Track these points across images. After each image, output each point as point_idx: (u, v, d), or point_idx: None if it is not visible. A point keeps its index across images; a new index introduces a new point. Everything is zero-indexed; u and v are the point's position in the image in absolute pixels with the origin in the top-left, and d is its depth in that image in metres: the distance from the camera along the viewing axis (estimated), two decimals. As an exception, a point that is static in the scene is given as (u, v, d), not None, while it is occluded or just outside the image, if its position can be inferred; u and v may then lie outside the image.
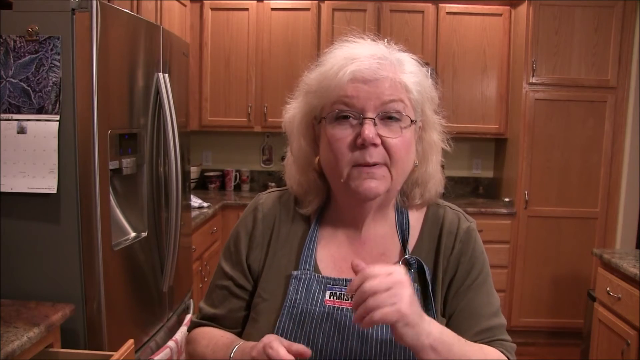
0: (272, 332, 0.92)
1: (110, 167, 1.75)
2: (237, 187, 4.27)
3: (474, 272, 0.98)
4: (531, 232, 3.74)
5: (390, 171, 0.92)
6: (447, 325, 0.97)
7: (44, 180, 1.64)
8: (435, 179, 1.02)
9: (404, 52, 0.97)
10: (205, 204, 3.40)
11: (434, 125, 1.00)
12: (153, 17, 2.79)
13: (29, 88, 1.64)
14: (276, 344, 0.82)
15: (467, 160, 4.31)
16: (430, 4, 3.84)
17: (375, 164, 0.90)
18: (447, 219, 1.02)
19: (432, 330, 0.82)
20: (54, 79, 1.63)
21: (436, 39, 3.87)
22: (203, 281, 3.18)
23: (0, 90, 1.64)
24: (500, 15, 3.86)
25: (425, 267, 0.96)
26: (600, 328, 2.64)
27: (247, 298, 1.02)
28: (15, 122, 1.64)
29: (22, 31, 1.63)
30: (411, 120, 0.93)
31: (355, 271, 0.81)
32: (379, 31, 3.72)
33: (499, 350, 0.96)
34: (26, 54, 1.63)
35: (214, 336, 1.01)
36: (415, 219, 1.03)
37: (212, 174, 4.23)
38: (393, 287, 0.78)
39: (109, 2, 1.92)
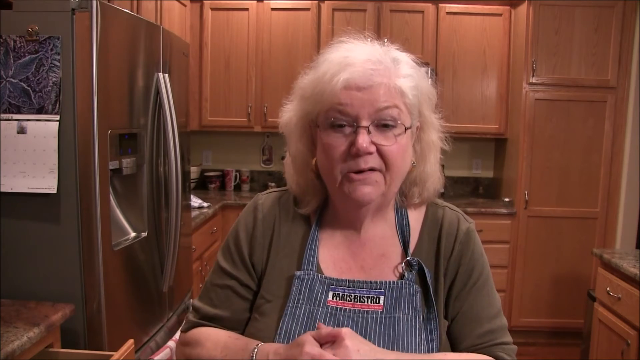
0: (274, 333, 0.92)
1: (110, 167, 1.75)
2: (237, 187, 4.27)
3: (474, 275, 0.98)
4: (531, 232, 3.74)
5: (384, 176, 0.92)
6: (450, 328, 0.98)
7: (44, 180, 1.64)
8: (433, 178, 1.02)
9: (401, 51, 0.96)
10: (205, 204, 3.40)
11: (433, 125, 1.00)
12: (153, 17, 2.79)
13: (29, 88, 1.64)
14: (316, 349, 0.81)
15: (467, 160, 4.31)
16: (430, 4, 3.84)
17: (370, 169, 0.90)
18: (447, 219, 1.02)
19: None
20: (54, 79, 1.63)
21: (436, 39, 3.87)
22: (203, 281, 3.16)
23: (0, 90, 1.64)
24: (500, 15, 3.86)
25: (426, 269, 0.97)
26: (600, 328, 2.64)
27: (251, 298, 1.01)
28: (15, 122, 1.64)
29: (22, 31, 1.63)
30: (405, 128, 0.92)
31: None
32: (379, 31, 3.73)
33: (499, 355, 0.96)
34: (26, 54, 1.63)
35: (220, 339, 0.98)
36: (415, 219, 1.03)
37: (212, 174, 4.23)
38: (337, 354, 0.81)
39: (109, 2, 1.92)
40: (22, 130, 1.64)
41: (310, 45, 3.80)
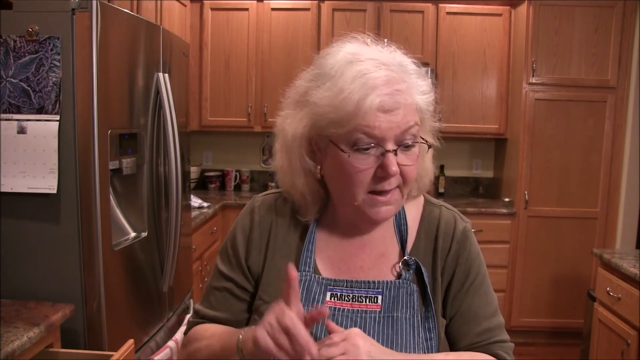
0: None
1: (110, 167, 1.75)
2: (237, 187, 4.27)
3: (472, 274, 0.99)
4: (531, 232, 3.74)
5: (402, 191, 0.93)
6: (448, 327, 0.98)
7: (44, 180, 1.64)
8: (430, 172, 1.03)
9: (403, 53, 0.94)
10: (205, 204, 3.40)
11: (430, 127, 1.00)
12: (153, 17, 2.79)
13: (29, 88, 1.64)
14: (293, 319, 0.79)
15: (467, 160, 4.31)
16: (430, 4, 3.84)
17: (390, 190, 0.91)
18: (443, 219, 1.02)
19: None
20: (54, 79, 1.63)
21: (436, 39, 3.87)
22: (203, 281, 3.18)
23: (0, 90, 1.64)
24: (500, 15, 3.86)
25: (423, 269, 0.97)
26: (600, 328, 2.64)
27: (249, 300, 1.02)
28: (15, 122, 1.64)
29: (22, 31, 1.63)
30: (425, 141, 0.93)
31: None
32: (379, 31, 3.73)
33: (498, 352, 0.97)
34: (26, 54, 1.63)
35: (216, 330, 1.00)
36: (412, 218, 1.03)
37: (212, 174, 4.23)
38: (347, 352, 0.80)
39: (109, 2, 1.92)
40: (22, 130, 1.64)
41: (310, 45, 3.80)
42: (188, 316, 2.38)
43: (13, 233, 1.67)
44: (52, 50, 1.63)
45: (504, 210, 3.72)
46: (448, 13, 3.85)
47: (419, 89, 0.92)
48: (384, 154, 0.88)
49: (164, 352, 1.99)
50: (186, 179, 2.46)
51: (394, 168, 0.87)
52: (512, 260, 3.75)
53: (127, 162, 1.85)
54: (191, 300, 2.61)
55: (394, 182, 0.90)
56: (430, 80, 0.96)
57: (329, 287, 0.96)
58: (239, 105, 3.95)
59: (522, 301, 3.77)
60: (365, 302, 0.94)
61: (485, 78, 3.92)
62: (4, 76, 1.64)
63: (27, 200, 1.66)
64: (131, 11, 2.24)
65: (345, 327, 0.91)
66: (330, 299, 0.95)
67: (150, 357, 1.96)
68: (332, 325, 0.88)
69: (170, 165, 2.11)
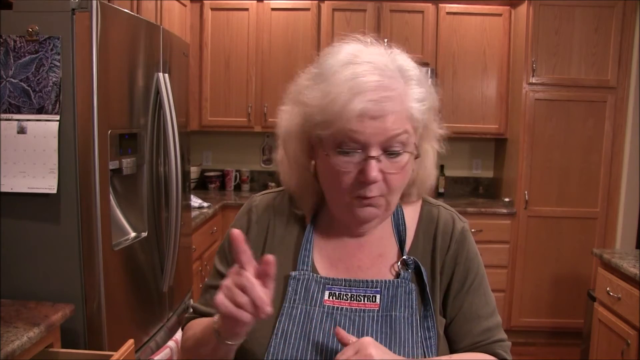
0: (271, 333, 0.92)
1: (110, 167, 1.75)
2: (237, 187, 4.27)
3: (471, 275, 0.99)
4: (531, 232, 3.74)
5: (386, 199, 0.92)
6: (450, 327, 0.98)
7: (44, 180, 1.64)
8: (431, 176, 1.02)
9: (404, 55, 0.93)
10: (205, 204, 3.40)
11: (435, 134, 0.99)
12: (153, 17, 2.79)
13: (29, 88, 1.64)
14: (247, 277, 0.80)
15: (467, 160, 4.31)
16: (430, 4, 3.84)
17: (373, 197, 0.90)
18: (442, 218, 1.02)
19: None
20: (54, 79, 1.63)
21: (436, 39, 3.87)
22: (203, 281, 3.18)
23: (0, 90, 1.64)
24: (500, 15, 3.86)
25: (422, 268, 0.97)
26: (600, 328, 2.64)
27: None
28: (15, 122, 1.64)
29: (22, 31, 1.63)
30: (412, 151, 0.91)
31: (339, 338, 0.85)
32: (379, 31, 3.74)
33: (498, 352, 0.97)
34: (26, 54, 1.63)
35: (203, 321, 1.01)
36: (411, 218, 1.03)
37: (212, 174, 4.23)
38: None
39: (109, 2, 1.92)
40: (22, 130, 1.64)
41: (310, 45, 3.80)
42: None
43: (13, 233, 1.67)
44: (52, 50, 1.63)
45: (504, 210, 3.72)
46: (448, 13, 3.85)
47: (413, 97, 0.90)
48: (366, 159, 0.88)
49: (164, 352, 1.99)
50: (186, 179, 2.47)
51: (374, 174, 0.87)
52: (512, 260, 3.75)
53: (127, 162, 1.85)
54: (191, 300, 2.61)
55: (375, 189, 0.89)
56: (431, 85, 0.95)
57: (327, 286, 0.96)
58: (239, 105, 3.95)
59: (522, 301, 3.77)
60: (364, 301, 0.94)
61: (485, 78, 3.92)
62: (4, 76, 1.64)
63: (27, 200, 1.66)
64: (131, 11, 2.24)
65: (344, 326, 0.92)
66: (329, 298, 0.95)
67: (150, 357, 1.96)
68: (342, 333, 0.87)
69: (170, 165, 2.11)
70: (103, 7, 1.66)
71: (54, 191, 1.64)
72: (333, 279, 0.97)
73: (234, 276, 0.81)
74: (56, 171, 1.64)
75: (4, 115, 1.64)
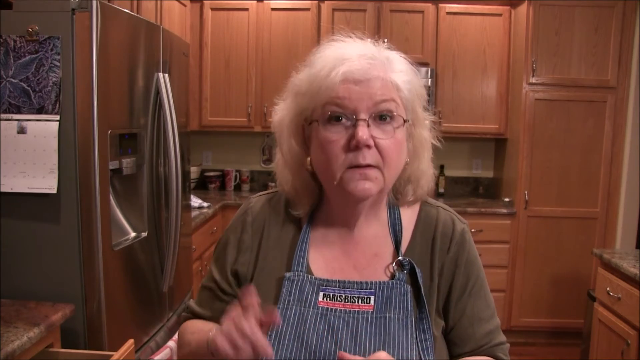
0: (264, 334, 0.92)
1: (110, 167, 1.75)
2: (237, 187, 4.27)
3: (472, 278, 0.99)
4: (531, 232, 3.74)
5: (382, 173, 0.92)
6: (453, 331, 0.98)
7: (44, 180, 1.64)
8: (427, 176, 1.02)
9: (392, 50, 0.96)
10: (205, 204, 3.40)
11: (424, 123, 1.00)
12: (153, 17, 2.79)
13: (29, 88, 1.64)
14: (250, 325, 0.80)
15: (467, 160, 4.30)
16: (430, 4, 3.84)
17: (368, 166, 0.90)
18: (441, 220, 1.02)
19: None
20: (54, 79, 1.63)
21: (436, 39, 3.87)
22: (203, 281, 3.18)
23: (0, 90, 1.64)
24: (500, 15, 3.86)
25: (417, 269, 0.97)
26: (600, 328, 2.64)
27: (229, 301, 1.02)
28: (15, 122, 1.64)
29: (22, 31, 1.63)
30: (404, 120, 0.93)
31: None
32: (379, 31, 3.74)
33: (499, 356, 0.98)
34: (26, 54, 1.63)
35: (197, 327, 1.03)
36: (408, 218, 1.03)
37: (212, 174, 4.23)
38: None
39: (109, 2, 1.92)
40: (22, 130, 1.64)
41: (310, 45, 3.79)
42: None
43: (13, 233, 1.67)
44: (52, 50, 1.63)
45: (504, 210, 3.71)
46: (448, 13, 3.85)
47: (397, 69, 0.93)
48: (355, 124, 0.89)
49: (164, 352, 1.99)
50: (186, 179, 2.47)
51: (362, 134, 0.88)
52: (512, 260, 3.75)
53: (127, 162, 1.85)
54: (191, 300, 2.61)
55: (368, 156, 0.89)
56: (417, 75, 0.97)
57: (321, 287, 0.96)
58: (239, 105, 3.95)
59: (522, 301, 3.77)
60: (358, 302, 0.94)
61: (485, 78, 3.92)
62: (4, 76, 1.64)
63: (27, 200, 1.66)
64: (131, 11, 2.24)
65: (338, 328, 0.91)
66: (323, 299, 0.95)
67: (150, 357, 1.96)
68: (346, 356, 0.84)
69: (170, 165, 2.11)
70: (103, 7, 1.66)
71: (54, 191, 1.65)
72: (327, 280, 0.96)
73: (235, 320, 0.82)
74: (56, 171, 1.64)
75: (4, 115, 1.64)
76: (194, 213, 3.10)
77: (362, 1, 3.82)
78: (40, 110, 1.64)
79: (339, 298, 0.94)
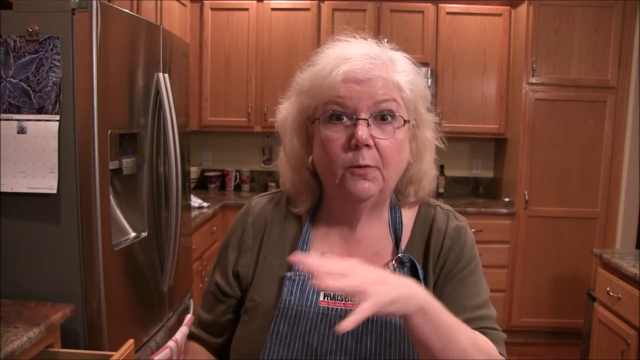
0: (266, 334, 0.92)
1: (110, 167, 1.75)
2: (237, 187, 4.27)
3: (460, 265, 0.97)
4: (531, 232, 3.74)
5: (382, 173, 0.91)
6: None
7: (44, 180, 1.64)
8: (429, 177, 1.02)
9: (396, 50, 0.97)
10: (205, 204, 3.40)
11: (427, 123, 1.00)
12: (153, 17, 2.79)
13: (29, 88, 1.64)
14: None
15: (467, 160, 4.31)
16: (430, 4, 3.84)
17: (367, 166, 0.90)
18: (438, 218, 1.02)
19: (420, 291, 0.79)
20: (54, 79, 1.63)
21: (436, 39, 3.87)
22: (203, 281, 3.18)
23: (0, 90, 1.64)
24: (500, 15, 3.87)
25: (418, 266, 0.97)
26: (600, 328, 2.64)
27: (231, 303, 1.03)
28: (15, 122, 1.64)
29: (22, 31, 1.63)
30: (404, 120, 0.93)
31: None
32: (379, 31, 3.74)
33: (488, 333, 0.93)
34: (26, 54, 1.63)
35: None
36: (408, 218, 1.03)
37: (212, 174, 4.23)
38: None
39: (109, 2, 1.92)
40: (22, 130, 1.64)
41: (310, 45, 3.80)
42: (188, 316, 2.39)
43: (13, 233, 1.67)
44: (52, 50, 1.63)
45: (504, 210, 3.72)
46: (448, 13, 3.85)
47: (400, 69, 0.93)
48: (355, 123, 0.89)
49: (164, 352, 1.99)
50: (186, 179, 2.47)
51: (362, 133, 0.87)
52: (512, 260, 3.75)
53: (127, 162, 1.85)
54: (191, 300, 2.61)
55: (367, 157, 0.89)
56: (420, 75, 0.97)
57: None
58: (239, 105, 3.95)
59: (522, 301, 3.77)
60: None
61: (485, 78, 3.92)
62: (4, 76, 1.64)
63: (27, 200, 1.66)
64: (131, 11, 2.24)
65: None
66: (324, 298, 0.94)
67: (150, 357, 1.96)
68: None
69: (170, 165, 2.11)
70: (103, 7, 1.66)
71: (54, 191, 1.64)
72: None
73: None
74: (56, 171, 1.64)
75: (4, 115, 1.64)
76: (194, 213, 3.10)
77: (362, 1, 3.82)
78: (40, 110, 1.64)
79: (339, 297, 0.94)
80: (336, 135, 0.90)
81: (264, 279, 0.99)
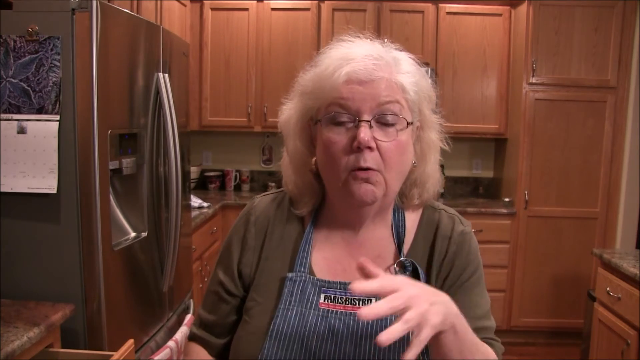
0: (265, 335, 0.92)
1: (110, 167, 1.75)
2: (237, 187, 4.27)
3: (466, 273, 0.97)
4: (531, 232, 3.74)
5: (384, 176, 0.91)
6: None
7: (44, 180, 1.64)
8: (433, 179, 1.01)
9: (401, 50, 0.96)
10: (205, 204, 3.40)
11: (432, 125, 0.99)
12: (153, 17, 2.79)
13: (29, 88, 1.64)
14: None
15: (467, 160, 4.31)
16: (430, 4, 3.84)
17: (368, 169, 0.89)
18: (442, 222, 1.01)
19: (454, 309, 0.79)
20: (54, 79, 1.63)
21: (436, 39, 3.87)
22: (203, 281, 3.18)
23: (0, 90, 1.64)
24: (500, 15, 3.87)
25: (420, 270, 0.96)
26: (600, 328, 2.64)
27: (236, 303, 1.02)
28: (15, 122, 1.64)
29: (22, 31, 1.63)
30: (407, 122, 0.91)
31: (361, 270, 0.80)
32: (379, 31, 3.74)
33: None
34: (26, 54, 1.63)
35: None
36: (411, 221, 1.02)
37: (212, 174, 4.23)
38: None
39: (109, 2, 1.92)
40: (22, 130, 1.64)
41: (310, 45, 3.80)
42: (188, 316, 2.39)
43: (13, 233, 1.67)
44: (52, 50, 1.63)
45: (504, 210, 3.72)
46: (448, 13, 3.85)
47: (405, 70, 0.92)
48: (357, 125, 0.88)
49: (164, 352, 1.99)
50: (186, 179, 2.47)
51: (364, 135, 0.87)
52: (512, 260, 3.75)
53: (127, 162, 1.85)
54: (191, 300, 2.61)
55: (369, 159, 0.88)
56: (425, 76, 0.96)
57: (323, 288, 0.95)
58: (239, 105, 3.95)
59: (522, 301, 3.77)
60: (359, 304, 0.93)
61: (485, 78, 3.92)
62: (4, 76, 1.64)
63: (27, 200, 1.66)
64: (131, 11, 2.24)
65: (339, 330, 0.90)
66: (324, 300, 0.94)
67: (150, 357, 1.96)
68: (367, 263, 0.81)
69: (170, 165, 2.11)
70: (103, 7, 1.65)
71: (54, 191, 1.64)
72: (329, 282, 0.96)
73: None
74: (56, 171, 1.64)
75: (4, 115, 1.64)
76: (194, 213, 3.10)
77: (362, 1, 3.82)
78: (40, 110, 1.64)
79: (340, 300, 0.94)
80: (338, 137, 0.90)
81: (265, 279, 0.99)
